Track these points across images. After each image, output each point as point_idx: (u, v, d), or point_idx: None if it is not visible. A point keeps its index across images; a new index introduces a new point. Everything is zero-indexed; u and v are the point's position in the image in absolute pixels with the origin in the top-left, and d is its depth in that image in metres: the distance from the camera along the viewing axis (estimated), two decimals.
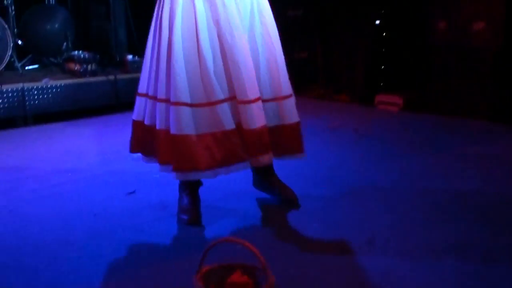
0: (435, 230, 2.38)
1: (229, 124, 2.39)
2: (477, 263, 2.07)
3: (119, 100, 4.86)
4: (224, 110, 2.38)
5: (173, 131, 2.35)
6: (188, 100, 2.34)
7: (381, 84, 5.09)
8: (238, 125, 2.41)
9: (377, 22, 5.15)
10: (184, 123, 2.33)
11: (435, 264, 2.08)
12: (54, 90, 4.57)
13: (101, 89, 4.82)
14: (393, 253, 2.18)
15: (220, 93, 2.37)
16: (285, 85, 2.56)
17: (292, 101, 2.58)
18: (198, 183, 2.61)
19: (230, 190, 2.88)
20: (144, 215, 2.62)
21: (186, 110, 2.33)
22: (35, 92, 4.48)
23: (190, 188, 2.56)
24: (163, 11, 2.41)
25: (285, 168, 3.07)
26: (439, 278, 1.97)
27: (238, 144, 2.40)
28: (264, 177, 2.71)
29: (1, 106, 4.32)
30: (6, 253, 2.25)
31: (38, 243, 2.34)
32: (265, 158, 2.45)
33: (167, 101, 2.39)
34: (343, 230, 2.40)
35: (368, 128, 4.19)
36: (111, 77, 4.87)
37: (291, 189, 2.70)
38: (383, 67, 5.12)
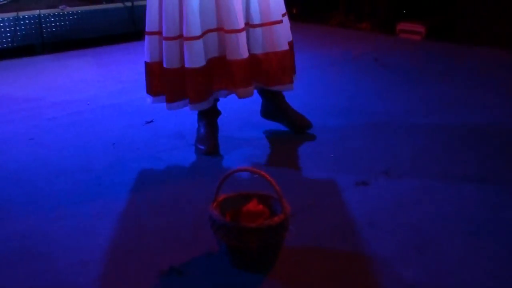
0: (454, 161, 2.37)
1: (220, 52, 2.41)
2: (497, 195, 2.07)
3: (137, 27, 4.80)
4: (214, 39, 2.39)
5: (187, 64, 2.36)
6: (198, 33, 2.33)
7: (404, 11, 4.95)
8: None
9: None
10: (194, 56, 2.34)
11: (454, 194, 2.08)
12: (70, 17, 4.53)
13: (118, 16, 4.77)
14: (410, 183, 2.18)
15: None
16: (274, 10, 2.43)
17: (280, 27, 2.45)
18: (216, 113, 2.61)
19: (247, 120, 2.88)
20: (162, 144, 2.64)
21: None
22: (52, 19, 4.44)
23: (208, 118, 2.57)
24: None
25: (302, 99, 3.05)
26: (457, 209, 1.98)
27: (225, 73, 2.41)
28: (275, 104, 2.69)
29: (19, 33, 4.30)
30: (27, 181, 2.30)
31: (57, 170, 2.38)
32: (247, 91, 2.44)
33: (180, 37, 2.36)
34: (360, 161, 2.40)
35: (388, 57, 4.11)
36: (128, 4, 4.80)
37: (304, 116, 2.69)
38: None
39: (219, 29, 2.39)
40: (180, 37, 2.38)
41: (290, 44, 2.57)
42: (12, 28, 4.26)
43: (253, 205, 1.73)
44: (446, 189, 2.12)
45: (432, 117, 2.90)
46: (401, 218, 1.93)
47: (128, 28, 4.80)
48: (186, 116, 2.79)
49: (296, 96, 2.75)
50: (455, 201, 2.04)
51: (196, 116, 2.64)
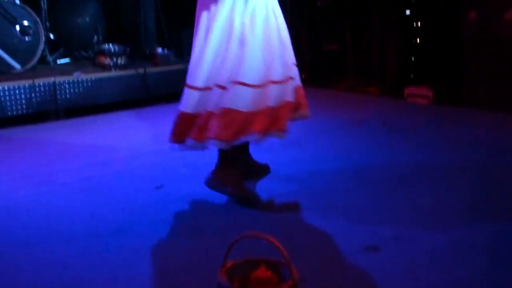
0: (463, 228, 2.35)
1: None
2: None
3: (149, 93, 4.91)
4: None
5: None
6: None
7: (411, 76, 5.03)
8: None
9: (407, 12, 5.08)
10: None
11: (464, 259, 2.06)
12: (85, 83, 4.64)
13: (131, 82, 4.88)
14: (421, 247, 2.16)
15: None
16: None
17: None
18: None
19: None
20: (171, 209, 2.65)
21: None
22: (66, 86, 4.55)
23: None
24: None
25: (311, 162, 3.07)
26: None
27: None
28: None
29: (34, 100, 4.40)
30: (37, 246, 2.31)
31: (67, 236, 2.39)
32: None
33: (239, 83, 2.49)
34: (369, 224, 2.39)
35: (397, 121, 4.15)
36: (141, 70, 4.91)
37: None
38: (413, 58, 5.06)
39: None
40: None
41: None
42: (28, 96, 4.36)
43: (261, 272, 1.72)
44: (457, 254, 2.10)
45: (440, 180, 2.90)
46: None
47: (141, 94, 4.90)
48: (195, 180, 2.81)
49: (305, 159, 2.77)
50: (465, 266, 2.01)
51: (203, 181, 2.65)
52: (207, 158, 2.80)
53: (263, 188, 2.83)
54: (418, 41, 5.04)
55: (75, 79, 4.60)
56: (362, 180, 2.94)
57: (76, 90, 4.60)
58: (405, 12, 5.06)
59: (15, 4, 4.71)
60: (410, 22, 5.06)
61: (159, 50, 5.18)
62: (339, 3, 5.50)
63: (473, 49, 4.44)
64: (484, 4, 4.33)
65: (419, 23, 5.03)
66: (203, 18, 2.60)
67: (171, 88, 4.82)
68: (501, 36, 4.26)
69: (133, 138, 3.97)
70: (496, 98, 4.30)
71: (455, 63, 4.64)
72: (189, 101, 2.58)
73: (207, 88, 2.55)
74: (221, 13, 2.53)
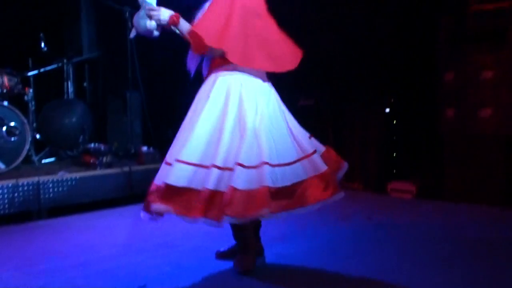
0: None
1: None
2: None
3: (133, 191, 4.90)
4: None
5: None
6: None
7: (394, 171, 5.10)
8: None
9: (387, 110, 5.23)
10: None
11: None
12: (69, 182, 4.63)
13: (116, 181, 4.88)
14: None
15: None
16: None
17: None
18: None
19: None
20: None
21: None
22: (50, 185, 4.53)
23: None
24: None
25: (297, 259, 3.03)
26: None
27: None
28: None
29: (16, 200, 4.36)
30: None
31: None
32: None
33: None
34: None
35: (381, 216, 4.16)
36: (126, 169, 4.93)
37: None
38: (395, 154, 5.15)
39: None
40: None
41: None
42: (10, 195, 4.33)
43: None
44: None
45: (427, 275, 2.87)
46: None
47: (125, 193, 4.89)
48: (180, 278, 2.75)
49: (290, 256, 2.74)
50: None
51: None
52: (190, 258, 2.76)
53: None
54: (398, 137, 5.16)
55: (59, 178, 4.59)
56: (348, 277, 2.89)
57: (60, 189, 4.58)
58: (385, 110, 5.21)
59: (2, 106, 4.79)
60: (390, 119, 5.20)
61: (144, 148, 5.23)
62: (320, 102, 5.66)
63: (452, 144, 4.55)
64: (461, 102, 4.48)
65: (398, 120, 5.17)
66: (201, 105, 2.83)
67: None
68: (478, 132, 4.38)
69: (116, 237, 3.91)
70: (476, 191, 4.36)
71: (435, 159, 4.73)
72: (180, 175, 2.66)
73: (206, 166, 2.68)
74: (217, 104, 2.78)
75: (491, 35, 4.34)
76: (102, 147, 5.07)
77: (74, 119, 5.37)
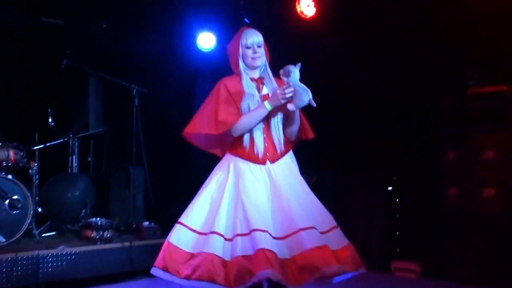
0: None
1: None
2: None
3: (134, 267, 4.83)
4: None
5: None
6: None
7: (397, 250, 5.04)
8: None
9: (390, 188, 5.24)
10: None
11: None
12: (69, 257, 4.57)
13: (116, 256, 4.81)
14: None
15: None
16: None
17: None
18: None
19: None
20: None
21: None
22: (50, 259, 4.47)
23: None
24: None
25: None
26: None
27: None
28: None
29: (14, 274, 4.29)
30: None
31: None
32: None
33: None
34: None
35: None
36: (127, 244, 4.88)
37: None
38: (398, 233, 5.11)
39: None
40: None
41: None
42: (9, 269, 4.26)
43: None
44: None
45: None
46: None
47: (125, 268, 4.82)
48: None
49: None
50: None
51: None
52: None
53: None
54: (401, 216, 5.14)
55: (59, 253, 4.54)
56: None
57: (60, 264, 4.52)
58: (387, 189, 5.22)
59: (7, 179, 4.81)
60: (393, 197, 5.20)
61: (146, 223, 5.19)
62: (323, 180, 5.67)
63: (455, 224, 4.53)
64: (464, 182, 4.49)
65: (401, 199, 5.17)
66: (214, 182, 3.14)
67: None
68: (481, 211, 4.37)
69: None
70: (480, 272, 4.29)
71: (439, 238, 4.69)
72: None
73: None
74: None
75: (491, 116, 4.41)
76: (103, 221, 5.03)
77: (77, 193, 5.37)
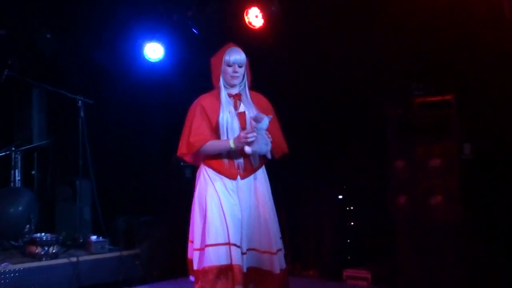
0: None
1: None
2: None
3: (81, 282, 4.69)
4: None
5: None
6: None
7: (349, 258, 5.08)
8: None
9: (340, 197, 5.28)
10: None
11: None
12: (12, 274, 4.40)
13: (62, 272, 4.66)
14: None
15: None
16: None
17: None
18: None
19: None
20: None
21: None
22: None
23: None
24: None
25: None
26: None
27: None
28: None
29: None
30: None
31: None
32: None
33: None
34: None
35: None
36: (74, 259, 4.74)
37: None
38: (349, 241, 5.15)
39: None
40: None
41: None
42: None
43: None
44: None
45: None
46: None
47: (72, 284, 4.67)
48: None
49: None
50: None
51: None
52: None
53: None
54: (352, 224, 5.19)
55: (2, 270, 4.36)
56: None
57: (3, 282, 4.33)
58: (338, 197, 5.26)
59: None
60: (343, 206, 5.24)
61: (94, 237, 5.06)
62: (272, 189, 5.65)
63: (405, 231, 4.59)
64: (412, 190, 4.57)
65: (352, 207, 5.22)
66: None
67: (105, 276, 4.63)
68: (429, 219, 4.45)
69: None
70: (429, 279, 4.37)
71: (389, 245, 4.75)
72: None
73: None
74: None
75: (437, 125, 4.51)
76: (49, 236, 4.86)
77: (20, 208, 5.19)
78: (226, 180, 3.23)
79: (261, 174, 3.35)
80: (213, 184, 3.22)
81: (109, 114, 6.07)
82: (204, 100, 3.31)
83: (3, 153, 5.46)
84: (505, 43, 4.23)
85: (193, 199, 3.32)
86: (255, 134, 3.09)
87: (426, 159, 4.49)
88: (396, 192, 4.65)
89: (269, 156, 3.23)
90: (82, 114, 5.34)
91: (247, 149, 3.13)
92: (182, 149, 3.30)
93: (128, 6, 5.77)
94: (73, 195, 5.52)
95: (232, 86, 3.31)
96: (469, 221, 4.32)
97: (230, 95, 3.30)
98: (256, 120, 3.10)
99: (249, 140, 3.10)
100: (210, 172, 3.25)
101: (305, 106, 5.36)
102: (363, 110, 4.97)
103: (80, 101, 5.33)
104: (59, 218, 5.69)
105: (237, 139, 3.16)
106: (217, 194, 3.19)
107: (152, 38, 6.08)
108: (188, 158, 3.40)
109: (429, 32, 4.60)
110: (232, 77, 3.25)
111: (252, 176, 3.28)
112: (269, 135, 3.17)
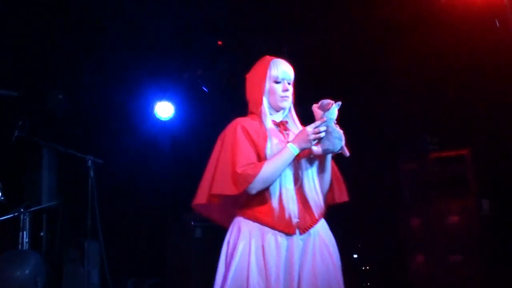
0: None
1: None
2: None
3: None
4: None
5: None
6: None
7: None
8: None
9: (355, 256, 5.13)
10: None
11: None
12: None
13: None
14: None
15: None
16: None
17: None
18: None
19: None
20: None
21: None
22: None
23: None
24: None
25: None
26: None
27: None
28: None
29: None
30: None
31: None
32: None
33: None
34: None
35: None
36: None
37: None
38: None
39: None
40: None
41: None
42: None
43: None
44: None
45: None
46: None
47: None
48: None
49: None
50: None
51: None
52: None
53: None
54: (368, 285, 5.02)
55: None
56: None
57: None
58: (353, 256, 5.12)
59: None
60: (359, 265, 5.09)
61: None
62: None
63: None
64: (430, 248, 4.43)
65: (367, 266, 5.07)
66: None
67: None
68: (449, 278, 4.29)
69: None
70: None
71: None
72: None
73: None
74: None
75: (453, 181, 4.41)
76: None
77: (26, 272, 5.06)
78: (280, 235, 2.30)
79: (324, 225, 2.47)
80: (262, 244, 2.28)
81: (119, 174, 6.02)
82: (245, 122, 2.46)
83: (12, 215, 5.38)
84: None
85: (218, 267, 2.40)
86: (325, 126, 2.31)
87: (443, 216, 4.37)
88: (413, 251, 4.51)
89: (346, 153, 2.39)
90: (92, 174, 5.28)
91: (316, 149, 2.33)
92: (222, 189, 2.31)
93: (139, 66, 5.81)
94: (81, 257, 5.41)
95: (279, 110, 2.49)
96: (490, 279, 4.15)
97: (274, 123, 2.48)
98: (323, 108, 2.34)
99: (321, 134, 2.28)
100: (253, 226, 2.31)
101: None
102: (378, 165, 4.89)
103: (90, 161, 5.29)
104: (67, 281, 5.56)
105: (300, 136, 2.32)
106: (264, 258, 2.27)
107: (163, 97, 6.10)
108: (206, 211, 2.51)
109: (444, 87, 4.58)
110: (282, 97, 2.44)
111: (313, 229, 2.37)
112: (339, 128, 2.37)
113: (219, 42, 5.63)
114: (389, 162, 4.76)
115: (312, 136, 2.30)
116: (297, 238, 2.34)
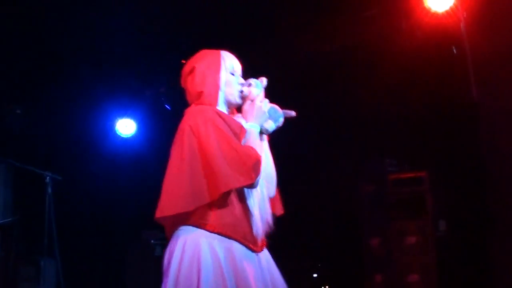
0: None
1: None
2: None
3: None
4: None
5: None
6: None
7: None
8: None
9: (315, 275, 5.16)
10: None
11: None
12: None
13: None
14: None
15: None
16: None
17: None
18: None
19: None
20: None
21: None
22: None
23: None
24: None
25: None
26: None
27: None
28: None
29: None
30: None
31: None
32: None
33: None
34: None
35: None
36: None
37: None
38: None
39: None
40: None
41: None
42: None
43: None
44: None
45: None
46: None
47: None
48: None
49: None
50: None
51: None
52: None
53: None
54: None
55: None
56: None
57: None
58: (312, 275, 5.14)
59: None
60: (318, 284, 5.11)
61: None
62: None
63: None
64: (388, 268, 4.49)
65: (327, 286, 5.09)
66: None
67: None
68: None
69: None
70: None
71: None
72: None
73: None
74: None
75: (411, 202, 4.49)
76: None
77: None
78: (250, 253, 2.10)
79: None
80: (231, 263, 2.06)
81: (78, 191, 5.93)
82: (218, 111, 2.18)
83: None
84: (474, 124, 4.31)
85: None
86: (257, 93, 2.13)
87: (401, 236, 4.44)
88: (372, 270, 4.56)
89: (292, 112, 2.28)
90: (49, 190, 5.17)
91: (270, 124, 2.16)
92: (236, 182, 2.01)
93: (101, 82, 5.76)
94: (37, 276, 5.28)
95: (231, 107, 2.25)
96: None
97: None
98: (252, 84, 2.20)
99: (266, 100, 2.12)
100: (225, 242, 2.06)
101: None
102: (338, 186, 4.94)
103: (48, 177, 5.18)
104: None
105: (252, 112, 2.11)
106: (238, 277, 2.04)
107: (124, 114, 6.05)
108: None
109: (402, 109, 4.67)
110: (241, 92, 2.20)
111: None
112: None
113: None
114: (349, 184, 4.82)
115: (261, 103, 2.13)
116: (260, 255, 2.22)
